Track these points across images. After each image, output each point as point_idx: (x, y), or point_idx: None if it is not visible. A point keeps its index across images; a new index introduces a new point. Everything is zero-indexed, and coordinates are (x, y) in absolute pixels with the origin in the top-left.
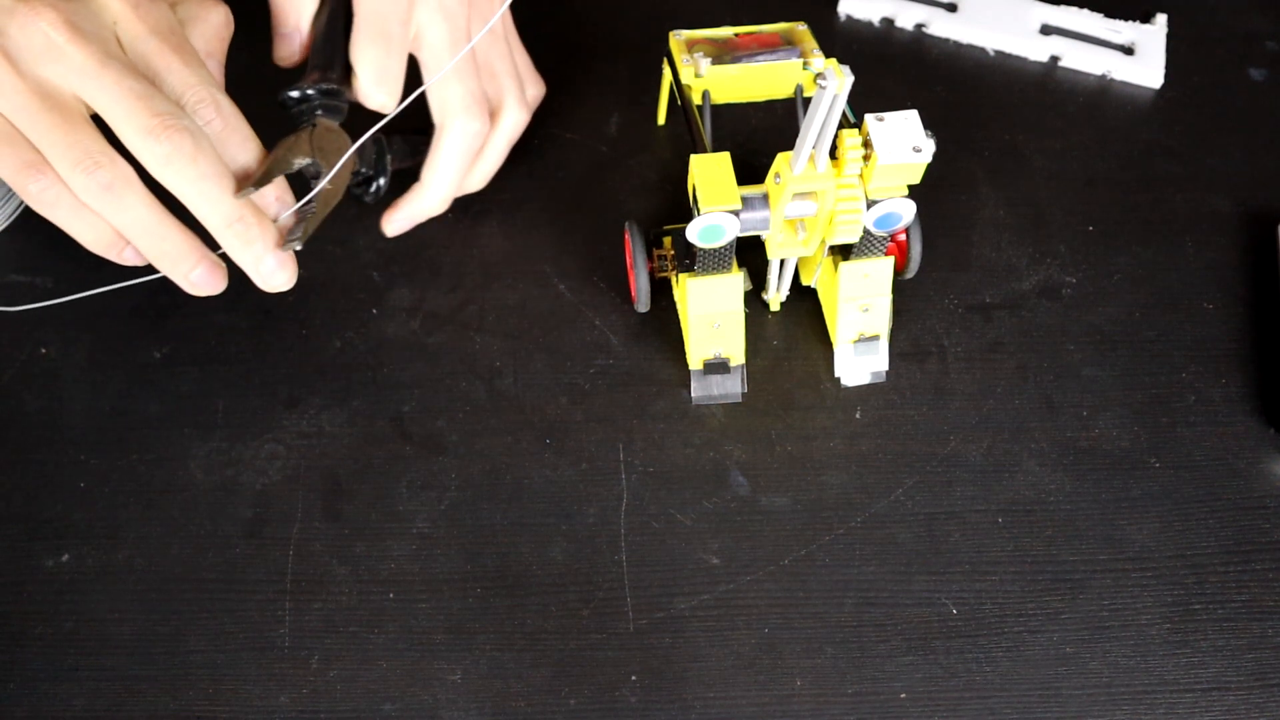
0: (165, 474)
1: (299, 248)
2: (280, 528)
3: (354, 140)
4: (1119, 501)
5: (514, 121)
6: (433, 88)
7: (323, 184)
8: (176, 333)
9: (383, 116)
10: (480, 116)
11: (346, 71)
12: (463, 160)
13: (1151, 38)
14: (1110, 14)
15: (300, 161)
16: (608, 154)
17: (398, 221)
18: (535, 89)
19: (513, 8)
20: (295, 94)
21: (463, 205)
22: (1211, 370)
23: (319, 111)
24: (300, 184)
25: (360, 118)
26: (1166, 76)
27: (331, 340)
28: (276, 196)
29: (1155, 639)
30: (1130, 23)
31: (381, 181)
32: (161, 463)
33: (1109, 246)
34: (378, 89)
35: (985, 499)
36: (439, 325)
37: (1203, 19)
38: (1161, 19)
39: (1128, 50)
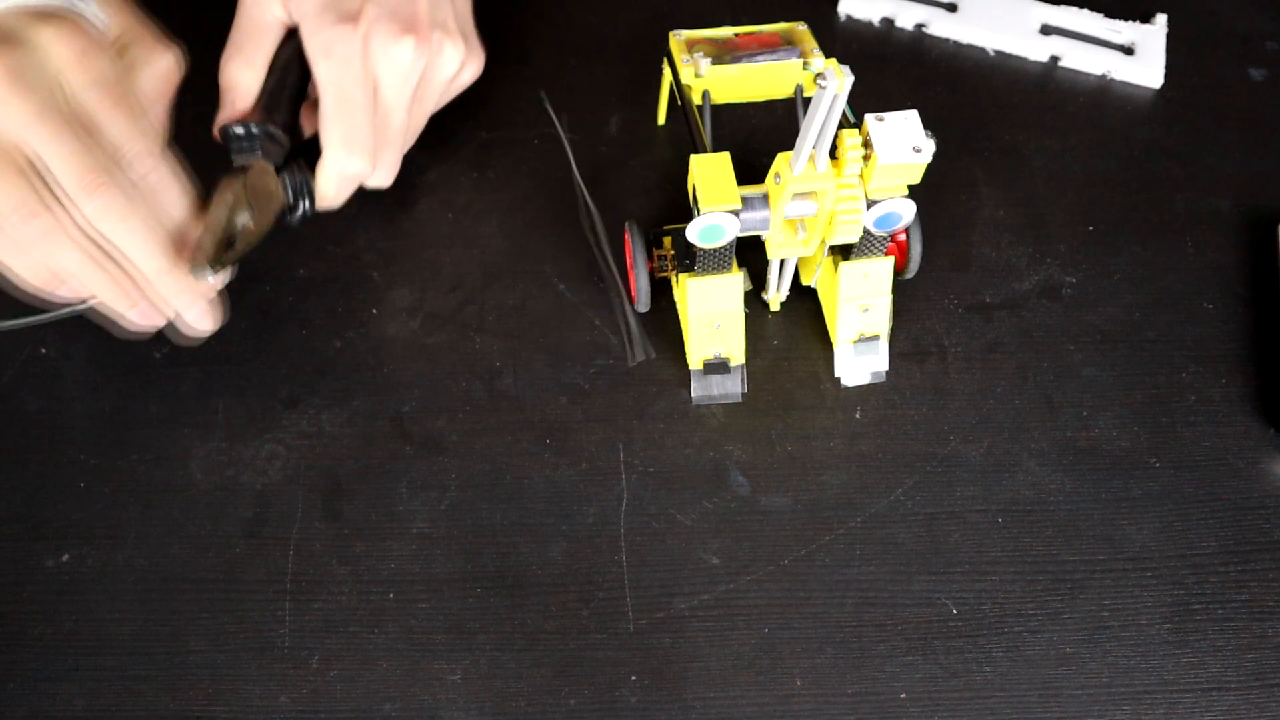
0: (165, 474)
1: (212, 279)
2: (280, 528)
3: (278, 180)
4: (1119, 501)
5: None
6: (338, 126)
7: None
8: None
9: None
10: (361, 159)
11: (291, 118)
12: (340, 194)
13: (1151, 38)
14: (1110, 14)
15: (243, 217)
16: (608, 154)
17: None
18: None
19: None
20: (240, 130)
21: (463, 205)
22: (1211, 370)
23: (257, 151)
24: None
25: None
26: (1166, 76)
27: (331, 340)
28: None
29: (1155, 639)
30: (1130, 23)
31: (306, 205)
32: (161, 463)
33: (1109, 246)
34: (349, 156)
35: (985, 499)
36: (439, 325)
37: (1203, 19)
38: (1161, 19)
39: (1128, 50)
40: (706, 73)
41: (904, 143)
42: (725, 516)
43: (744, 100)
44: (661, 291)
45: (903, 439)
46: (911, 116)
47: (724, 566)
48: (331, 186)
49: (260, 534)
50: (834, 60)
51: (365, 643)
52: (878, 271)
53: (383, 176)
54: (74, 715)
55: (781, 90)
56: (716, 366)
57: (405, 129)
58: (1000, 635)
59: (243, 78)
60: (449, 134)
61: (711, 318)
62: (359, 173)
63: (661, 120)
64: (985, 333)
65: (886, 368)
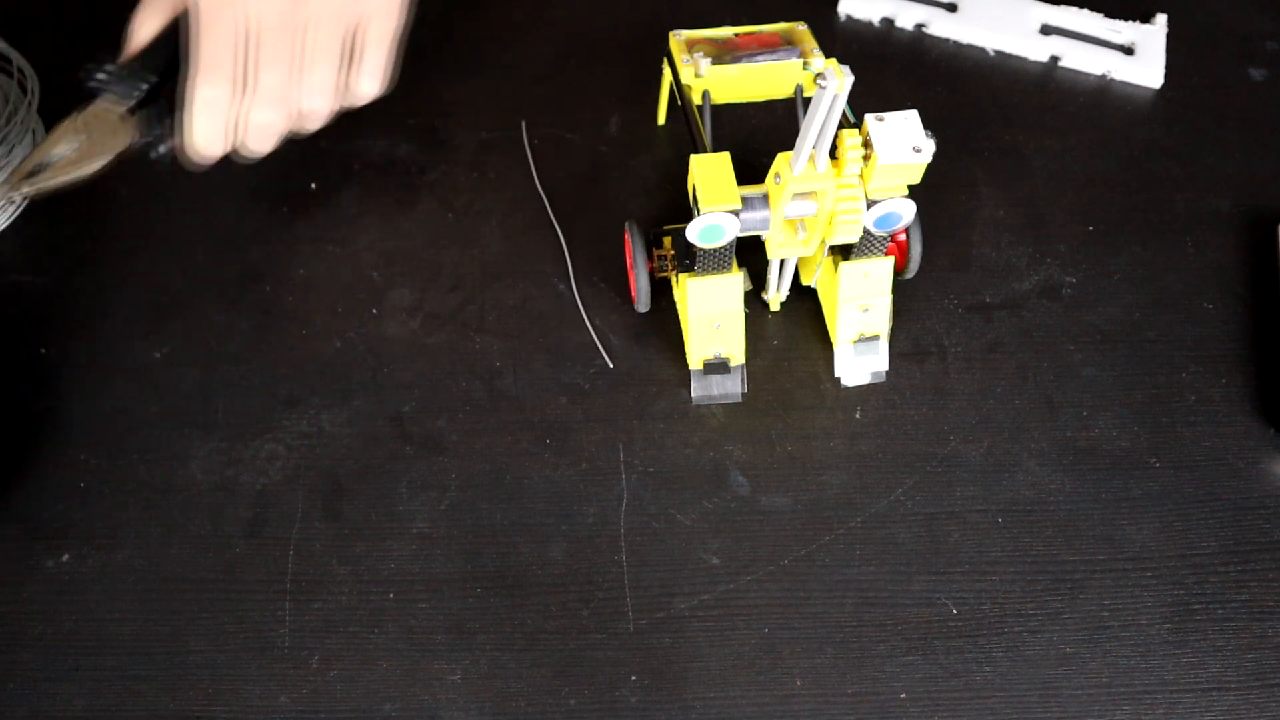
0: (165, 474)
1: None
2: (280, 528)
3: (132, 120)
4: (1119, 501)
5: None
6: (199, 51)
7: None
8: (176, 333)
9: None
10: (218, 86)
11: (164, 64)
12: (202, 124)
13: (1151, 38)
14: (1110, 14)
15: (63, 148)
16: (608, 154)
17: None
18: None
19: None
20: (97, 73)
21: (463, 205)
22: (1211, 370)
23: (104, 92)
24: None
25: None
26: (1166, 76)
27: (331, 340)
28: None
29: (1155, 639)
30: (1130, 23)
31: (167, 145)
32: (161, 463)
33: (1109, 246)
34: (207, 82)
35: (985, 499)
36: (439, 325)
37: (1203, 19)
38: (1161, 19)
39: (1128, 50)
40: (706, 73)
41: (904, 143)
42: (725, 516)
43: (744, 100)
44: (661, 291)
45: (903, 439)
46: (911, 116)
47: (724, 566)
48: (193, 115)
49: (260, 534)
50: (834, 60)
51: (365, 643)
52: (878, 271)
53: (266, 112)
54: (74, 715)
55: (781, 90)
56: (716, 366)
57: (294, 53)
58: (1000, 635)
59: (137, 31)
60: (449, 134)
61: (711, 318)
62: (217, 98)
63: (661, 120)
64: (985, 333)
65: (886, 368)
